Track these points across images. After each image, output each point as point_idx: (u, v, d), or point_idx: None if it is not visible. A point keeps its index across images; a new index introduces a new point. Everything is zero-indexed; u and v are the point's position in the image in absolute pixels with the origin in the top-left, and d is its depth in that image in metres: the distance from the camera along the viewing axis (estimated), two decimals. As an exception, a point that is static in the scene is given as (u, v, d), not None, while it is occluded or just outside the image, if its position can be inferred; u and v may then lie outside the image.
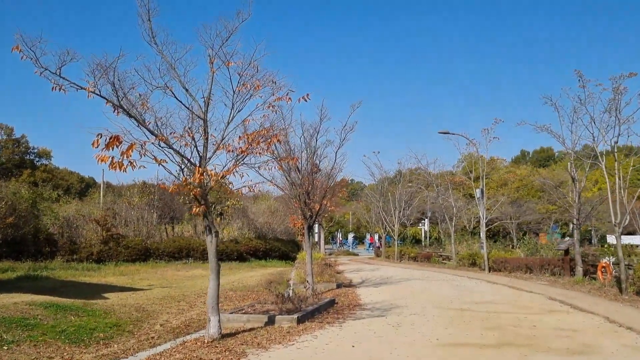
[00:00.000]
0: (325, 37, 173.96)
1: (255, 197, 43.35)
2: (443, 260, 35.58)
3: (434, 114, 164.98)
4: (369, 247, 65.88)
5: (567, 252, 21.62)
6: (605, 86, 17.10)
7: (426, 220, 56.17)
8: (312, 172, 18.03)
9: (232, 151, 8.94)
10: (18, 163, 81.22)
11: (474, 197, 49.49)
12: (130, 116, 8.27)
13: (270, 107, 9.39)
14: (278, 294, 13.52)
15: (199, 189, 9.10)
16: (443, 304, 15.15)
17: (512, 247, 49.14)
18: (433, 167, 39.87)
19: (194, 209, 9.12)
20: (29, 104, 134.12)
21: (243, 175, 9.26)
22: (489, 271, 26.39)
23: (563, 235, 57.88)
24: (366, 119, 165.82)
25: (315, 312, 12.60)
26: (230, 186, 10.36)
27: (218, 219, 37.69)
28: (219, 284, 9.83)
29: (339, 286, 19.43)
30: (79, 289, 17.32)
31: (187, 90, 9.37)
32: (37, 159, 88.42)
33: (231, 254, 32.77)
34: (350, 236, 75.52)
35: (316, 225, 64.23)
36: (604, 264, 19.74)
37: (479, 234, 48.73)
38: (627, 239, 47.59)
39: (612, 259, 19.73)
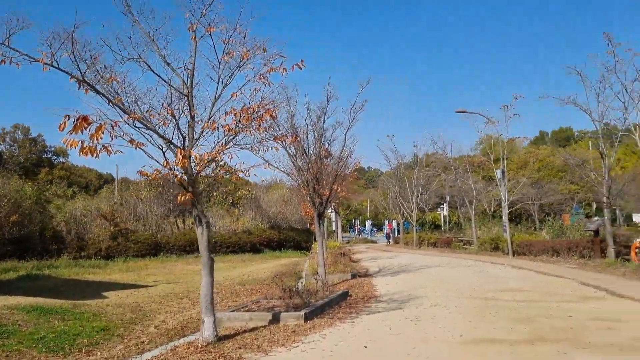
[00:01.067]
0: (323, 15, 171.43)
1: (267, 187, 42.37)
2: (464, 245, 34.29)
3: (450, 95, 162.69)
4: (386, 234, 64.76)
5: (596, 232, 20.22)
6: (636, 51, 15.59)
7: (445, 204, 54.76)
8: (322, 156, 17.00)
9: (218, 129, 7.83)
10: (36, 162, 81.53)
11: (494, 179, 47.95)
12: (97, 92, 7.19)
13: (262, 79, 8.25)
14: (285, 288, 12.43)
15: (183, 175, 8.04)
16: (466, 293, 13.97)
17: (535, 230, 47.57)
18: (450, 150, 38.40)
19: (179, 197, 8.04)
20: (43, 102, 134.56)
21: (232, 157, 8.17)
22: (513, 255, 25.07)
23: (586, 216, 56.00)
24: (379, 103, 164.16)
25: (325, 306, 11.50)
26: (225, 170, 9.24)
27: (236, 210, 36.86)
28: (212, 281, 8.75)
29: (353, 276, 18.33)
30: (79, 288, 16.47)
31: (168, 63, 8.25)
32: (54, 157, 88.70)
33: (244, 246, 31.87)
34: (368, 224, 74.44)
35: (333, 214, 63.42)
36: (638, 244, 18.33)
37: (500, 217, 47.33)
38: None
39: (647, 239, 18.35)
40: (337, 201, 19.87)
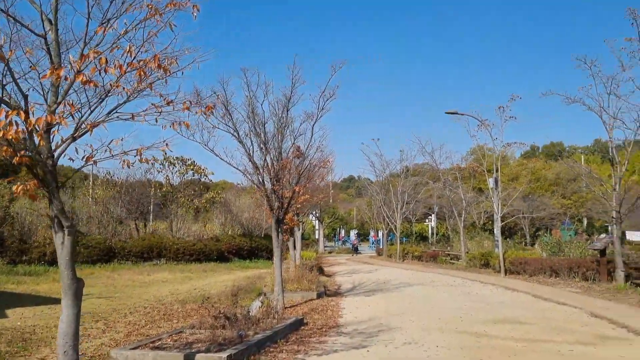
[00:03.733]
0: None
1: (241, 190, 39.45)
2: (451, 259, 31.59)
3: (443, 96, 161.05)
4: (372, 244, 62.03)
5: (603, 252, 17.58)
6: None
7: (433, 215, 52.13)
8: (294, 155, 14.38)
9: (65, 80, 5.07)
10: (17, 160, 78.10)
11: (484, 190, 45.43)
12: None
13: (156, 16, 5.50)
14: (218, 314, 9.67)
15: (22, 152, 5.27)
16: (451, 323, 11.23)
17: (525, 245, 45.07)
18: (439, 155, 35.42)
19: (16, 187, 5.23)
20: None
21: (92, 131, 5.37)
22: (505, 274, 22.39)
23: (576, 232, 53.64)
24: (365, 105, 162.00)
25: (266, 342, 8.71)
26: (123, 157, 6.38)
27: (208, 214, 33.86)
28: (78, 314, 5.95)
29: (320, 295, 15.55)
30: (-16, 302, 13.55)
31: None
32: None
33: (210, 254, 28.93)
34: (353, 233, 71.62)
35: (316, 222, 60.56)
36: (652, 267, 15.76)
37: (490, 231, 44.75)
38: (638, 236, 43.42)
39: (664, 261, 15.75)
40: (299, 206, 17.11)
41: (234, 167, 13.45)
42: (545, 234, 35.95)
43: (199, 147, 12.85)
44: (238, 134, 13.35)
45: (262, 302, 11.63)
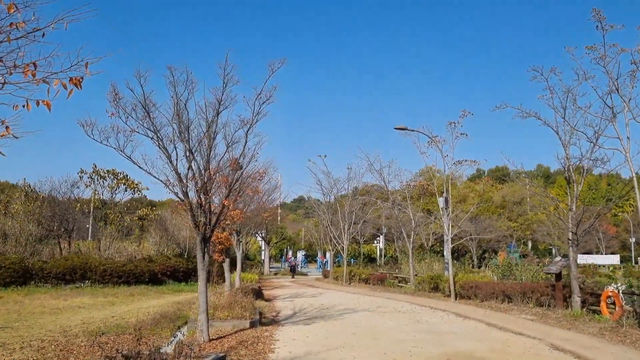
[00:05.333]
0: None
1: (175, 208, 37.13)
2: (399, 283, 30.30)
3: (394, 112, 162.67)
4: (319, 266, 60.44)
5: (559, 276, 16.59)
6: (624, 46, 12.14)
7: (381, 236, 51.11)
8: (232, 167, 12.76)
9: None
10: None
11: (432, 212, 44.83)
12: None
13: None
14: (114, 354, 7.80)
15: None
16: (399, 360, 9.71)
17: (473, 267, 44.59)
18: (388, 172, 33.92)
19: None
20: None
21: None
22: (456, 298, 21.20)
23: (521, 255, 53.87)
24: (313, 123, 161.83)
25: (169, 391, 6.92)
26: None
27: (137, 232, 31.43)
28: None
29: (253, 324, 13.74)
30: None
31: None
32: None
33: (142, 276, 26.52)
34: (300, 254, 69.80)
35: (262, 242, 58.48)
36: (609, 293, 14.81)
37: (438, 252, 44.04)
38: (583, 259, 43.78)
39: (621, 286, 14.85)
40: (228, 221, 15.45)
41: (154, 176, 11.62)
42: (492, 257, 35.35)
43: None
44: (160, 138, 11.62)
45: (173, 337, 9.76)
